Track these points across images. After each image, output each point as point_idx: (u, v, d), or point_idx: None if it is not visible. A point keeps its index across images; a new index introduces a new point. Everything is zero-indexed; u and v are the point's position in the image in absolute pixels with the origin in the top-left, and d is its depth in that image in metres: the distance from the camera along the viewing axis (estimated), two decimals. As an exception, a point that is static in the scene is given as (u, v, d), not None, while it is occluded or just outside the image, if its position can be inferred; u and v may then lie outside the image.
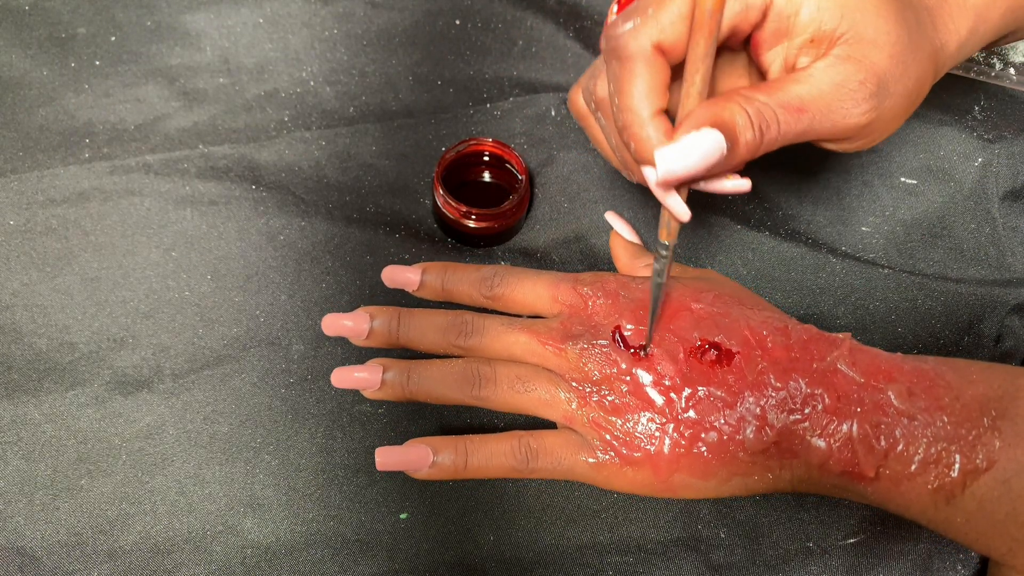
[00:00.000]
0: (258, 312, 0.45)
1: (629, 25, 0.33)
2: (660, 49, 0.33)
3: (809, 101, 0.33)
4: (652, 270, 0.36)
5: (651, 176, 0.34)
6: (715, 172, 0.33)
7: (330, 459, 0.42)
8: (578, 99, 0.39)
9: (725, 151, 0.32)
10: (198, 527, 0.40)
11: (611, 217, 0.48)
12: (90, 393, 0.42)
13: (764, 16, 0.34)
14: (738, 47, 0.37)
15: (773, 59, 0.35)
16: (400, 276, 0.40)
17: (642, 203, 0.49)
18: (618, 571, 0.41)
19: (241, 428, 0.42)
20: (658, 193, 0.34)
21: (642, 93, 0.33)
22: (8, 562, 0.39)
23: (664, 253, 0.35)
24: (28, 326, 0.43)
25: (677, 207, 0.34)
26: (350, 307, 0.45)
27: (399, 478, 0.42)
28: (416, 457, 0.36)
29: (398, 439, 0.42)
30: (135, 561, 0.39)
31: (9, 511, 0.39)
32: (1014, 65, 0.55)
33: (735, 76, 0.39)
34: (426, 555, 0.40)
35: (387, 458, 0.36)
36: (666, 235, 0.35)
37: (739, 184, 0.35)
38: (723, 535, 0.42)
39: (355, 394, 0.43)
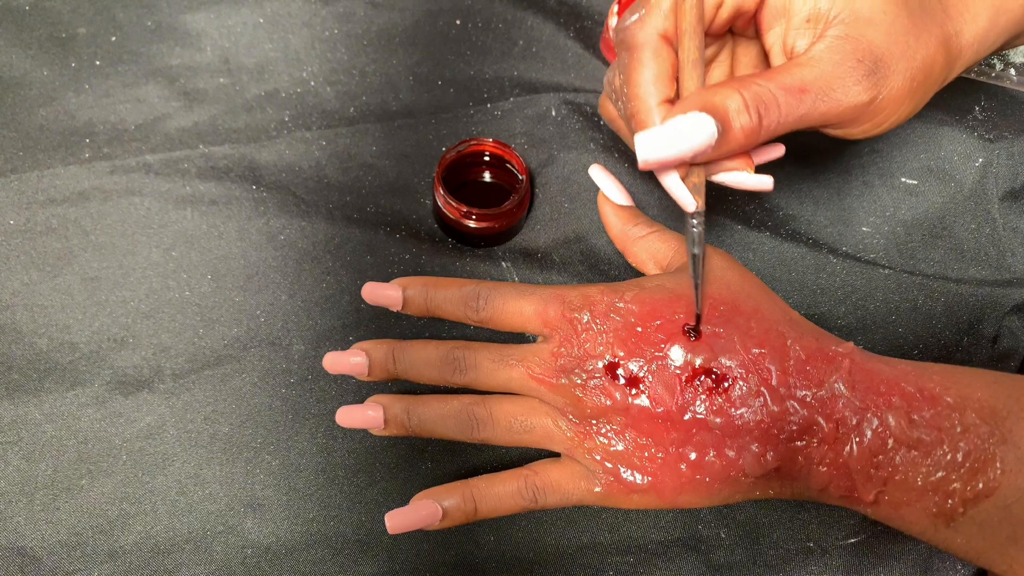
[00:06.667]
0: (258, 312, 0.45)
1: (636, 16, 0.34)
2: (666, 38, 0.34)
3: (810, 81, 0.32)
4: (687, 239, 0.36)
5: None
6: (713, 157, 0.33)
7: (330, 459, 0.42)
8: (606, 102, 0.39)
9: (716, 135, 0.32)
10: (198, 527, 0.40)
11: (597, 172, 0.45)
12: (90, 393, 0.42)
13: None
14: (747, 31, 0.37)
15: (773, 41, 0.35)
16: (380, 295, 0.39)
17: (645, 193, 0.49)
18: (618, 571, 0.41)
19: (241, 428, 0.42)
20: (659, 176, 0.34)
21: (648, 81, 0.33)
22: (8, 562, 0.39)
23: (695, 223, 0.35)
24: (28, 326, 0.43)
25: (675, 188, 0.34)
26: (350, 307, 0.45)
27: (399, 478, 0.42)
28: (426, 516, 0.36)
29: (399, 441, 0.42)
30: (135, 561, 0.39)
31: (9, 511, 0.39)
32: (1014, 65, 0.55)
33: (751, 66, 0.39)
34: (426, 555, 0.40)
35: (397, 521, 0.36)
36: (701, 203, 0.35)
37: (761, 181, 0.35)
38: (723, 535, 0.42)
39: (355, 394, 0.43)
